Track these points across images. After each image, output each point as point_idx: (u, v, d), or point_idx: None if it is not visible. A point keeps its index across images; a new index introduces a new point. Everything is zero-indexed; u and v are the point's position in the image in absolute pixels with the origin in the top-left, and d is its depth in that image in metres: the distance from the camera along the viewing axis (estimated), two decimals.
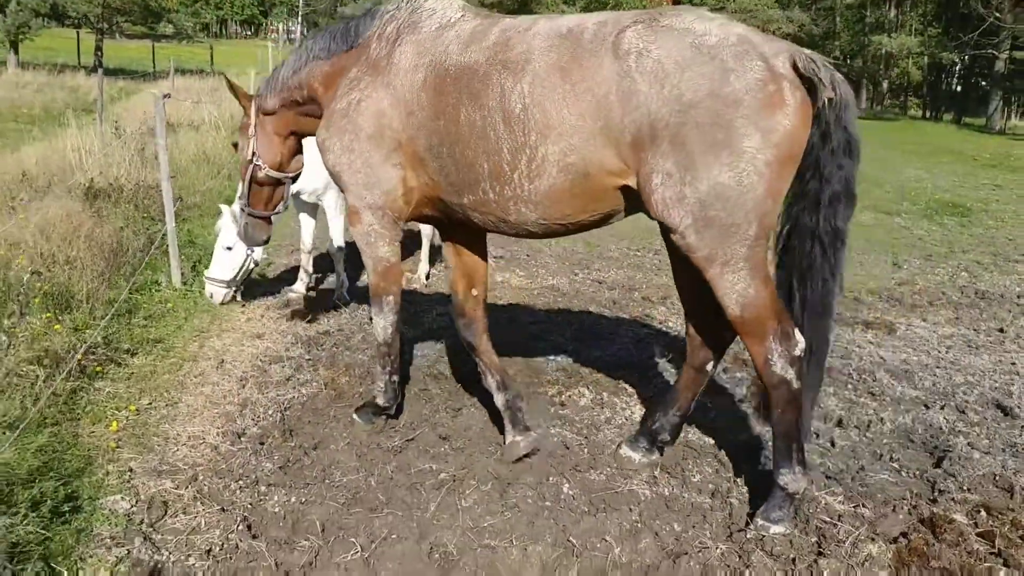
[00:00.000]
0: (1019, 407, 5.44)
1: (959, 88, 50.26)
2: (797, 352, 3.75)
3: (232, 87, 5.17)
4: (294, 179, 5.36)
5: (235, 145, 5.38)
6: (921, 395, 5.65)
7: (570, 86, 3.73)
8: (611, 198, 3.93)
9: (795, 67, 3.58)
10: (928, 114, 45.17)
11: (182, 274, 7.54)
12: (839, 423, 5.15)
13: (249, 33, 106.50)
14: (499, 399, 4.71)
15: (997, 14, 34.14)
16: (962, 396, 5.64)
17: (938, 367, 6.27)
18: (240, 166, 5.24)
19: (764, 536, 3.81)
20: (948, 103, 47.06)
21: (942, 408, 5.41)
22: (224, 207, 6.99)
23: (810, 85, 3.59)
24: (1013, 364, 6.47)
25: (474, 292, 4.80)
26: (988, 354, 6.71)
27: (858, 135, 3.74)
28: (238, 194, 5.66)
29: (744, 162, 3.49)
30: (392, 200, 4.45)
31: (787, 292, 3.91)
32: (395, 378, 4.89)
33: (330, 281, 8.25)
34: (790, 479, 3.86)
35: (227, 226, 6.82)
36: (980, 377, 6.06)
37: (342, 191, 4.74)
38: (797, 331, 3.79)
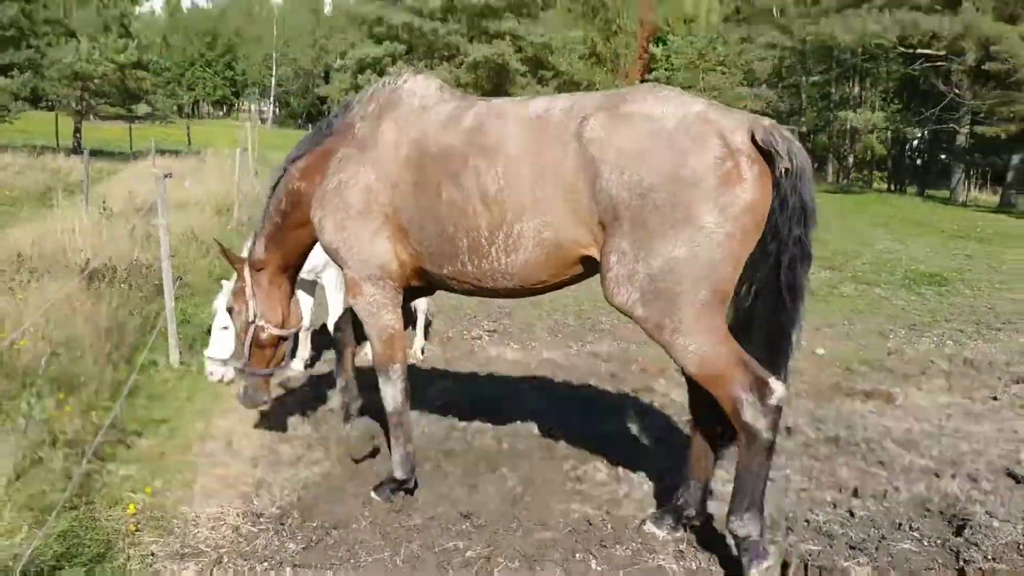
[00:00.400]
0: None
1: (920, 162, 51.53)
2: (773, 401, 3.78)
3: (225, 253, 5.39)
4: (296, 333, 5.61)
5: (230, 310, 5.52)
6: (930, 464, 5.69)
7: (539, 170, 3.99)
8: (581, 264, 4.18)
9: (753, 140, 3.76)
10: (892, 187, 46.19)
11: (180, 353, 7.48)
12: (855, 493, 5.16)
13: (221, 113, 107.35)
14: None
15: (956, 91, 35.26)
16: (971, 464, 5.69)
17: (943, 436, 6.33)
18: (240, 330, 5.40)
19: None
20: (911, 176, 48.21)
21: (953, 477, 5.44)
22: (225, 283, 6.97)
23: (769, 155, 3.76)
24: (1015, 432, 6.54)
25: None
26: (988, 422, 6.79)
27: (813, 202, 3.90)
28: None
29: (703, 236, 3.67)
30: (389, 271, 4.65)
31: (756, 346, 4.00)
32: (410, 448, 4.94)
33: (327, 357, 8.22)
34: (738, 525, 3.91)
35: (223, 305, 6.80)
36: (985, 445, 6.12)
37: (340, 267, 4.87)
38: (774, 380, 3.83)
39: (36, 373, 5.55)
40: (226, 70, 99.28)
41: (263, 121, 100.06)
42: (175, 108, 49.41)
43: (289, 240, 5.21)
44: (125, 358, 6.92)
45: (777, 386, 3.81)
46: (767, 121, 3.88)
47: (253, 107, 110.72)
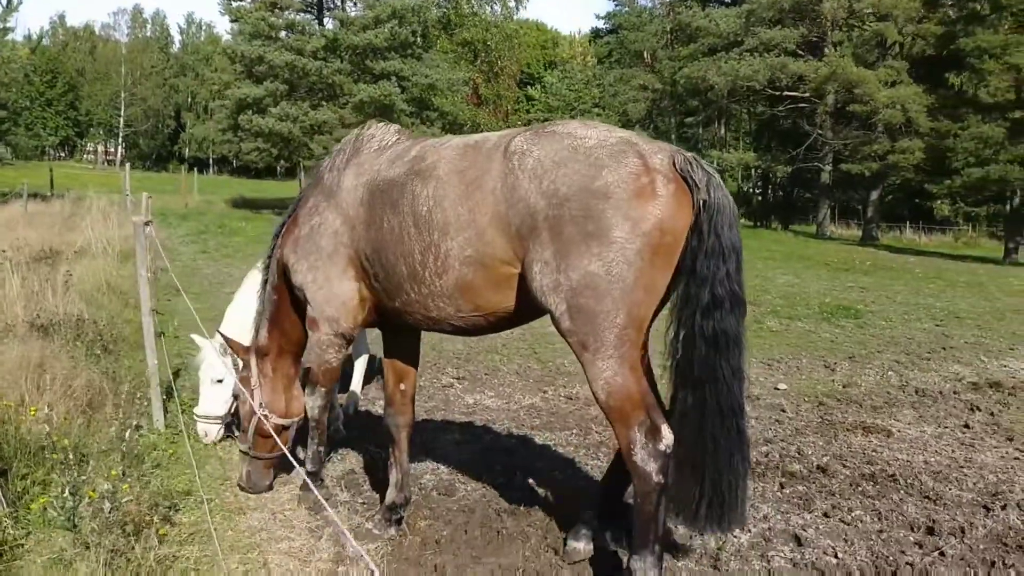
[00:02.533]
0: None
1: (772, 198, 54.17)
2: (662, 447, 3.82)
3: (229, 343, 5.61)
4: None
5: (235, 396, 5.73)
6: (976, 496, 5.81)
7: (464, 186, 4.08)
8: (515, 289, 4.10)
9: (673, 164, 3.81)
10: (757, 222, 48.38)
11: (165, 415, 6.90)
12: (930, 531, 5.18)
13: (63, 155, 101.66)
14: (389, 494, 5.09)
15: (820, 131, 37.43)
16: (1014, 495, 5.83)
17: (963, 467, 6.50)
18: (244, 418, 5.49)
19: None
20: (774, 211, 50.67)
21: (1004, 508, 5.57)
22: (199, 339, 6.52)
23: (690, 185, 3.80)
24: (1017, 459, 6.79)
25: (402, 387, 5.18)
26: (988, 451, 7.03)
27: (731, 240, 3.83)
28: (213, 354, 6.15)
29: (613, 252, 3.67)
30: (348, 311, 4.87)
31: (683, 395, 3.97)
32: (321, 448, 5.50)
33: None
34: (639, 566, 3.91)
35: (211, 358, 6.34)
36: (1008, 474, 6.31)
37: (306, 304, 5.07)
38: (666, 427, 3.86)
39: (54, 445, 4.96)
40: (69, 110, 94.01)
41: (110, 163, 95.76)
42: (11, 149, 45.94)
43: (289, 316, 5.39)
44: (113, 422, 6.28)
45: (667, 432, 3.85)
46: (690, 153, 3.94)
47: (100, 148, 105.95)
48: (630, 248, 3.66)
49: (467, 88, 42.18)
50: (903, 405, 8.83)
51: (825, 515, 5.39)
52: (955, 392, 9.54)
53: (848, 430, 7.60)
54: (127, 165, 27.84)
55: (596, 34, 57.96)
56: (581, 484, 6.00)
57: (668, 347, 4.02)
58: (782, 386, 9.62)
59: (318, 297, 4.91)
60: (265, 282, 5.54)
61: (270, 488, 5.60)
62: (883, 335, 13.68)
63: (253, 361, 5.49)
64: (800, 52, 37.19)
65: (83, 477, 4.38)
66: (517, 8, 49.29)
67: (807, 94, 36.70)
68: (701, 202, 3.76)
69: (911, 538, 5.08)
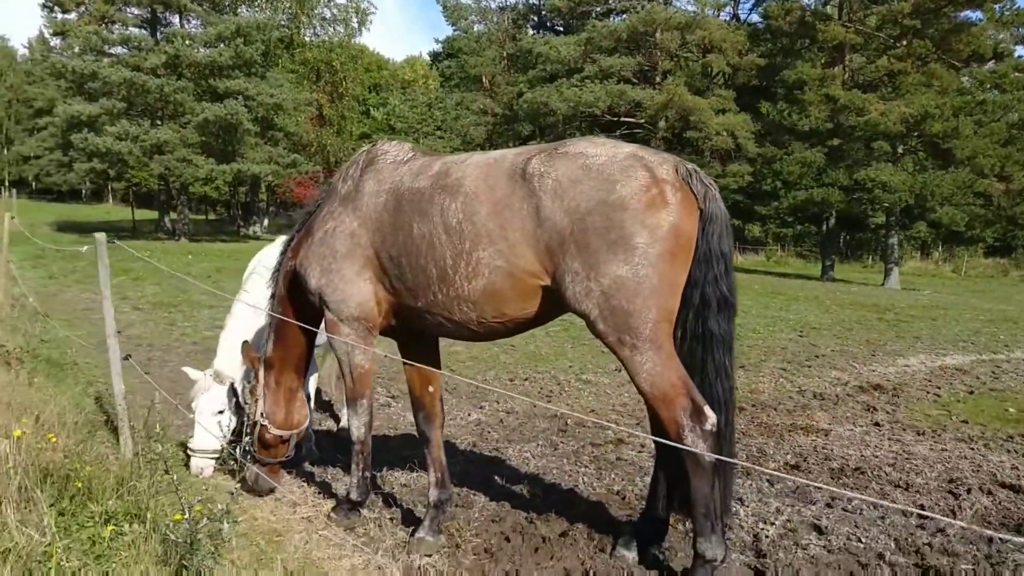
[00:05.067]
0: (1017, 482, 6.38)
1: None
2: (708, 427, 4.09)
3: (245, 351, 5.68)
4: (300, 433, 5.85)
5: (241, 407, 5.90)
6: (942, 484, 6.39)
7: (492, 204, 4.41)
8: (538, 297, 4.46)
9: (677, 172, 4.23)
10: None
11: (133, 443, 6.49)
12: (922, 516, 5.67)
13: None
14: (432, 494, 5.22)
15: None
16: (970, 480, 6.45)
17: (907, 458, 7.12)
18: (248, 425, 5.76)
19: None
20: None
21: (969, 492, 6.16)
22: (193, 371, 6.28)
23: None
24: (944, 450, 7.50)
25: (430, 389, 5.34)
26: (915, 444, 7.71)
27: (722, 248, 4.27)
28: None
29: (637, 256, 4.06)
30: (366, 311, 5.04)
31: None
32: (368, 474, 5.38)
33: None
34: (707, 547, 4.22)
35: (210, 389, 6.11)
36: (953, 463, 6.97)
37: (324, 309, 5.20)
38: (708, 408, 4.14)
39: (61, 471, 4.65)
40: None
41: None
42: None
43: (293, 329, 5.54)
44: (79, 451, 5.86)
45: (711, 414, 4.12)
46: (691, 165, 4.35)
47: None
48: (652, 251, 4.02)
49: (312, 108, 41.50)
50: (813, 408, 9.48)
51: (828, 506, 5.79)
52: (848, 395, 10.36)
53: (788, 431, 8.13)
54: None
55: (435, 57, 58.36)
56: (582, 491, 6.13)
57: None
58: None
59: (335, 298, 5.07)
60: (272, 295, 5.70)
61: (274, 491, 5.70)
62: (759, 345, 14.60)
63: (261, 372, 5.65)
64: (634, 80, 38.97)
65: (185, 501, 4.09)
66: (360, 30, 49.05)
67: (643, 120, 38.47)
68: (699, 211, 4.14)
69: (912, 521, 5.56)
